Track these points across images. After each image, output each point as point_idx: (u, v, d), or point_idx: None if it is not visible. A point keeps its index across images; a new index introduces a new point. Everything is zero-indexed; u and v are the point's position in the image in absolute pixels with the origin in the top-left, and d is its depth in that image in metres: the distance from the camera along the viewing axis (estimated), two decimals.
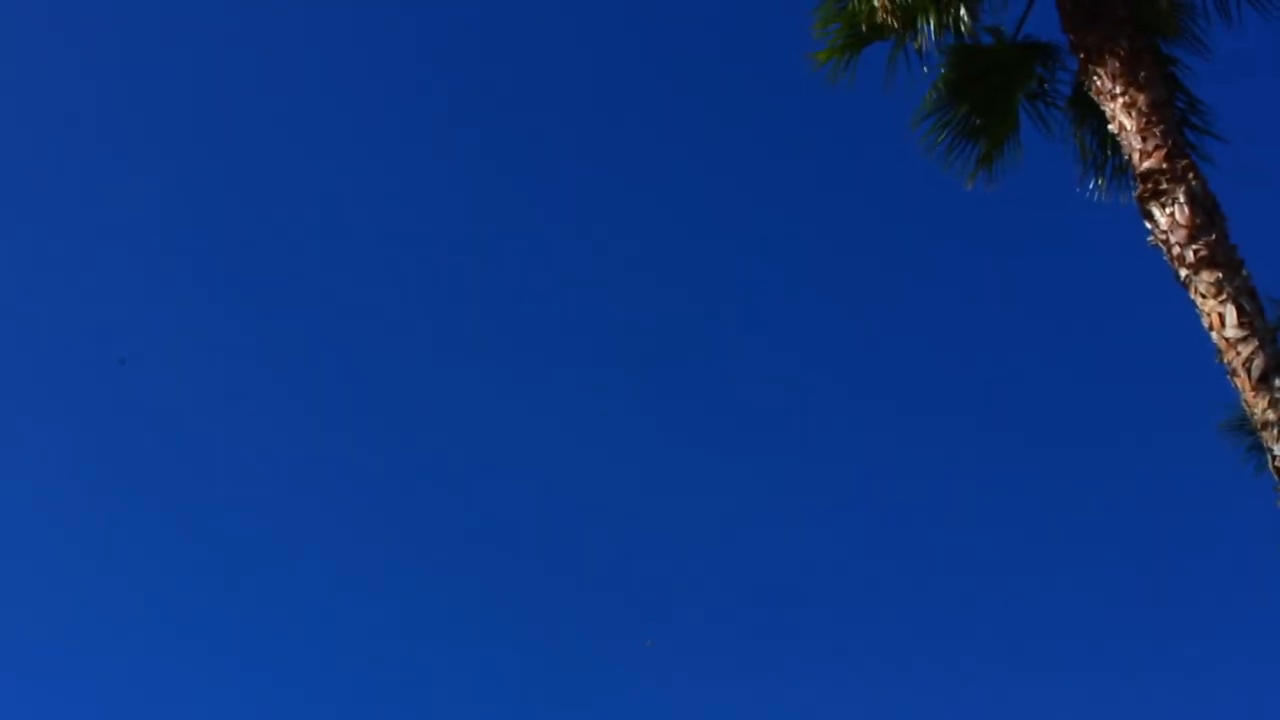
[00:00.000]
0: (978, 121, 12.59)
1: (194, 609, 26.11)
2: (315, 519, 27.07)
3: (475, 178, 28.22)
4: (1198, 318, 9.40)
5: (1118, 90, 10.42)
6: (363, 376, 27.82)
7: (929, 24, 11.90)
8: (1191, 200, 9.66)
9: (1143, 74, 10.42)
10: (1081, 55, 10.86)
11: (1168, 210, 9.70)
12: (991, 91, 12.48)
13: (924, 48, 12.10)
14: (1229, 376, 9.12)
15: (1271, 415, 8.86)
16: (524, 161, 28.20)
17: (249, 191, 27.41)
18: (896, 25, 11.96)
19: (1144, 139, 10.09)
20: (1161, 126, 10.12)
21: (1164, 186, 9.78)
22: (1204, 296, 9.35)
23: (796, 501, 26.83)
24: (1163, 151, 9.96)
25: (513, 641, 25.67)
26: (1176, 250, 9.54)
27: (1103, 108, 10.64)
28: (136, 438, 27.34)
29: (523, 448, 27.57)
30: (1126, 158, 10.34)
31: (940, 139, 12.59)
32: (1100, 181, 12.65)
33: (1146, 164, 9.96)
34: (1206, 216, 9.61)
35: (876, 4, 11.86)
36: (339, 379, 27.98)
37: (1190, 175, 9.81)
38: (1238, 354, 9.05)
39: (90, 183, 26.65)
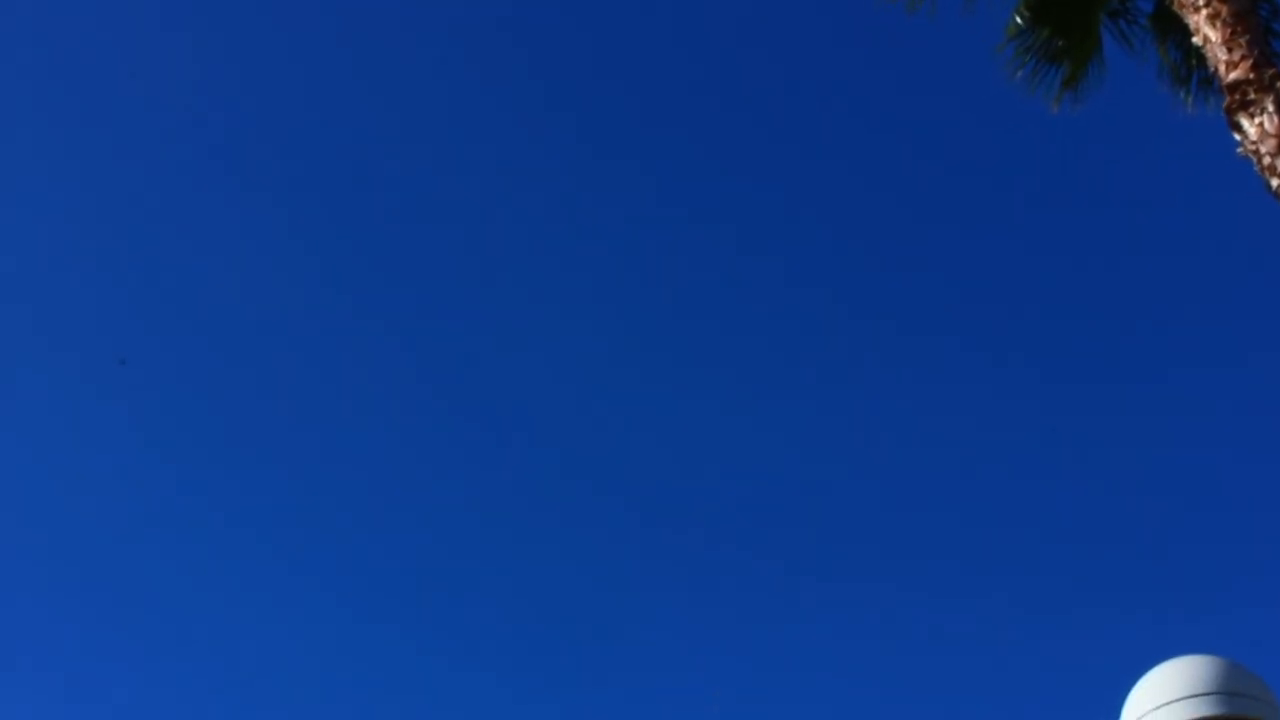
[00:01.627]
0: (1060, 44, 12.44)
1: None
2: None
3: (484, 173, 28.05)
4: None
5: (1200, 2, 10.20)
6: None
7: None
8: None
9: None
10: None
11: (1256, 120, 9.48)
12: (1073, 12, 12.31)
13: None
14: None
15: None
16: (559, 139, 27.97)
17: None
18: None
19: (1230, 49, 9.86)
20: (1247, 36, 9.88)
21: (1252, 96, 9.56)
22: None
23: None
24: (1249, 61, 9.72)
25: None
26: (1267, 160, 9.33)
27: (1185, 20, 10.39)
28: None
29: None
30: (1212, 70, 10.11)
31: (1024, 63, 12.49)
32: (1186, 96, 12.47)
33: (1233, 75, 9.74)
34: None
35: None
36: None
37: (1279, 84, 9.61)
38: None
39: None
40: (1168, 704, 6.90)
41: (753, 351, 27.57)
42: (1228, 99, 9.71)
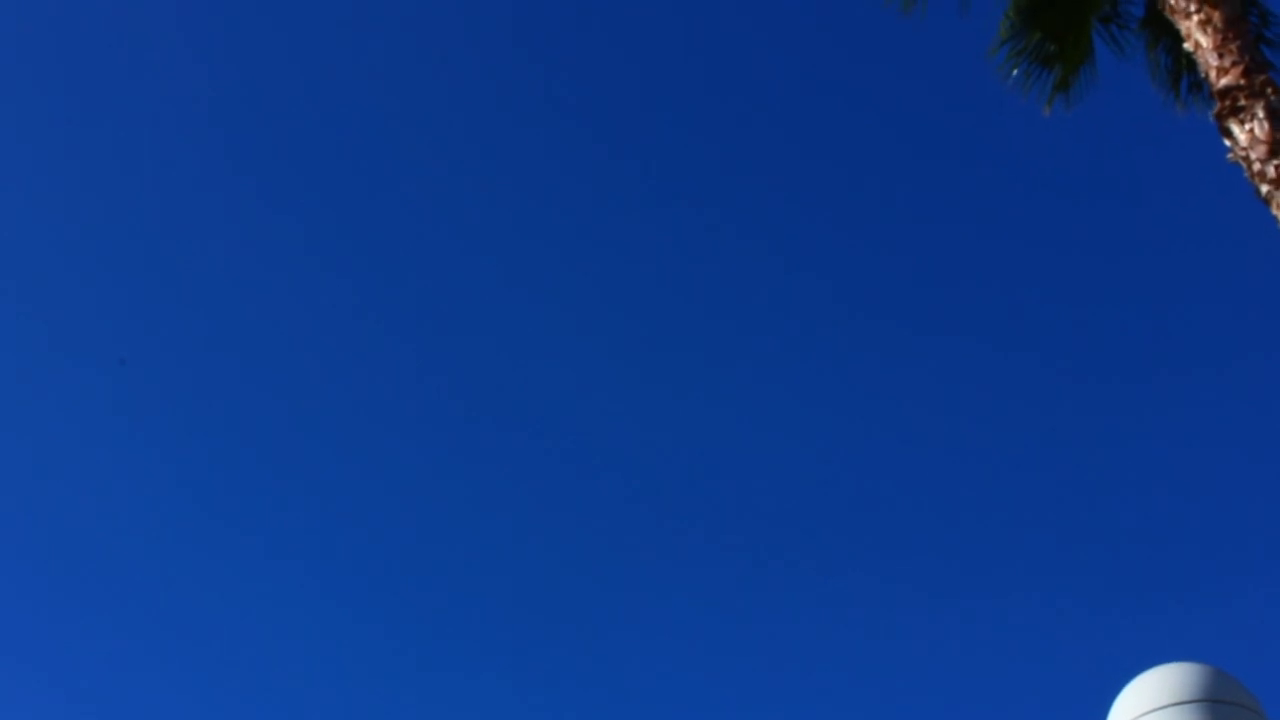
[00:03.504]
0: (1052, 48, 12.38)
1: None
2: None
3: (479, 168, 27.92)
4: (1279, 234, 9.17)
5: (1192, 8, 10.09)
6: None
7: None
8: (1271, 116, 9.33)
9: None
10: None
11: (1247, 127, 9.40)
12: (1064, 16, 12.24)
13: None
14: None
15: None
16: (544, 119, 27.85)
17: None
18: None
19: (1220, 55, 9.79)
20: (1238, 42, 9.80)
21: (1242, 103, 9.48)
22: None
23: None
24: (1240, 67, 9.64)
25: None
26: (1257, 166, 9.25)
27: (1177, 26, 10.30)
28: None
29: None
30: (1203, 75, 10.03)
31: (1015, 66, 12.43)
32: (1177, 101, 12.43)
33: (1224, 81, 9.66)
34: None
35: None
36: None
37: (1269, 90, 9.46)
38: None
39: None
40: (1153, 711, 6.85)
41: (752, 348, 27.46)
42: (1218, 105, 9.63)
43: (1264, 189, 9.21)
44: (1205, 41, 9.92)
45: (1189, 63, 11.15)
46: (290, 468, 27.34)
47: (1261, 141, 9.28)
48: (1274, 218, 9.15)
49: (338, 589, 26.39)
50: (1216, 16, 9.94)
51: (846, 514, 25.68)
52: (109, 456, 27.24)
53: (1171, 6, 10.32)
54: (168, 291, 27.14)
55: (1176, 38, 10.54)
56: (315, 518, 26.90)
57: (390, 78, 27.18)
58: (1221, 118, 9.58)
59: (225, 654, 25.37)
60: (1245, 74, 9.60)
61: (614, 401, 27.40)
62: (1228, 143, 9.52)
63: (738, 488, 26.25)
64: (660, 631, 24.73)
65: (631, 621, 25.00)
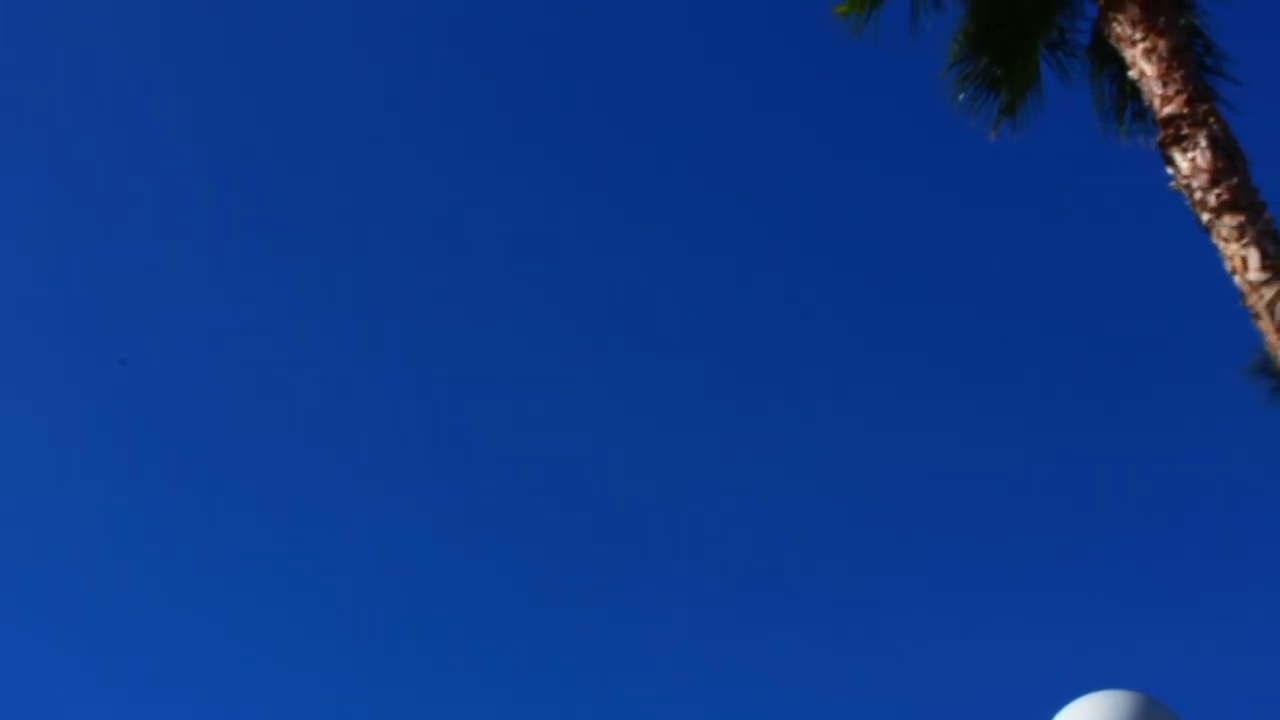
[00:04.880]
0: (999, 72, 12.39)
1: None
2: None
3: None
4: (1220, 262, 9.17)
5: (1137, 36, 10.13)
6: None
7: None
8: (1213, 144, 9.37)
9: (1162, 19, 10.11)
10: (1101, 2, 10.58)
11: (1189, 155, 9.42)
12: (1012, 41, 12.25)
13: None
14: (1252, 320, 8.82)
15: None
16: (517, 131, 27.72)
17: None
18: None
19: (1164, 84, 9.80)
20: (1182, 71, 9.83)
21: (1185, 131, 9.50)
22: (1226, 240, 9.07)
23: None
24: (1184, 96, 9.67)
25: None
26: (1198, 195, 9.26)
27: (1122, 54, 10.32)
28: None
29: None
30: (1147, 103, 10.04)
31: (963, 90, 12.43)
32: (1120, 128, 12.47)
33: (1167, 109, 9.68)
34: (1228, 160, 9.32)
35: None
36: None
37: (1211, 119, 9.50)
38: (1260, 297, 8.76)
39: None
40: None
41: (725, 366, 27.44)
42: (1161, 133, 9.64)
43: (1205, 217, 9.22)
44: (1150, 70, 9.94)
45: (1133, 90, 11.15)
46: (265, 478, 27.04)
47: (1203, 170, 9.29)
48: (1214, 246, 9.16)
49: (311, 600, 26.15)
50: (1161, 45, 9.97)
51: (817, 531, 25.64)
52: (90, 461, 26.99)
53: (1117, 35, 10.34)
54: (144, 295, 26.90)
55: (1122, 65, 10.54)
56: (276, 532, 26.62)
57: (362, 83, 27.10)
58: (1164, 146, 9.59)
59: (205, 669, 25.05)
60: (1188, 103, 9.62)
61: (604, 417, 27.34)
62: (1170, 171, 9.53)
63: (720, 505, 26.21)
64: (647, 648, 24.61)
65: (619, 638, 24.87)
